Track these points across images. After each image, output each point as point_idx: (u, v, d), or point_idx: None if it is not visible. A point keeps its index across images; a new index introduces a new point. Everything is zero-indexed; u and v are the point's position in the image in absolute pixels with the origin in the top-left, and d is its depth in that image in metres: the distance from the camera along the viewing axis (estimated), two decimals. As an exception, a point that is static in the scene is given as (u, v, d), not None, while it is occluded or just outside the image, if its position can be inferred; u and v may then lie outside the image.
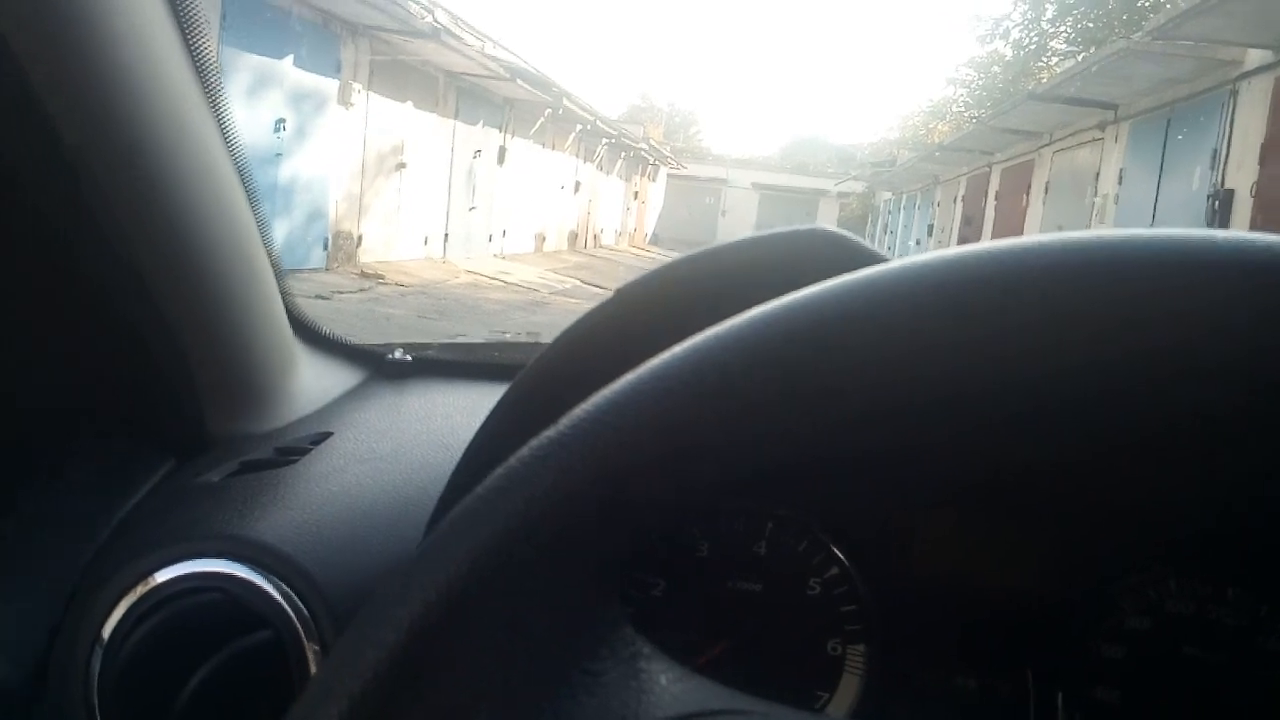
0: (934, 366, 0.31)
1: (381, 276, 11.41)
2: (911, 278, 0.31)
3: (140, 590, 0.58)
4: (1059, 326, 0.31)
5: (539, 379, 0.50)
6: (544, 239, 20.54)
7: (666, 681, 0.29)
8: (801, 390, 0.30)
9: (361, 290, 10.33)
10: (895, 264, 0.33)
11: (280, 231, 9.62)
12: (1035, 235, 0.33)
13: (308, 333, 0.86)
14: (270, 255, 0.79)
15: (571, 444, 0.30)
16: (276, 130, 9.77)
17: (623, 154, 27.19)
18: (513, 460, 0.30)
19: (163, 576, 0.57)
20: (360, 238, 11.87)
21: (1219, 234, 0.30)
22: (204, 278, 0.67)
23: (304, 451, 0.69)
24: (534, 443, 0.30)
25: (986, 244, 0.33)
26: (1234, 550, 0.60)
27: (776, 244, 0.53)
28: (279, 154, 9.81)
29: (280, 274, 0.80)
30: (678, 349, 0.31)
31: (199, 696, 0.54)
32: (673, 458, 0.30)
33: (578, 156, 22.10)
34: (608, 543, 0.30)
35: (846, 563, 0.64)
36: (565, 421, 0.30)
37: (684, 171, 37.25)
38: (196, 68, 0.63)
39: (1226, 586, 0.60)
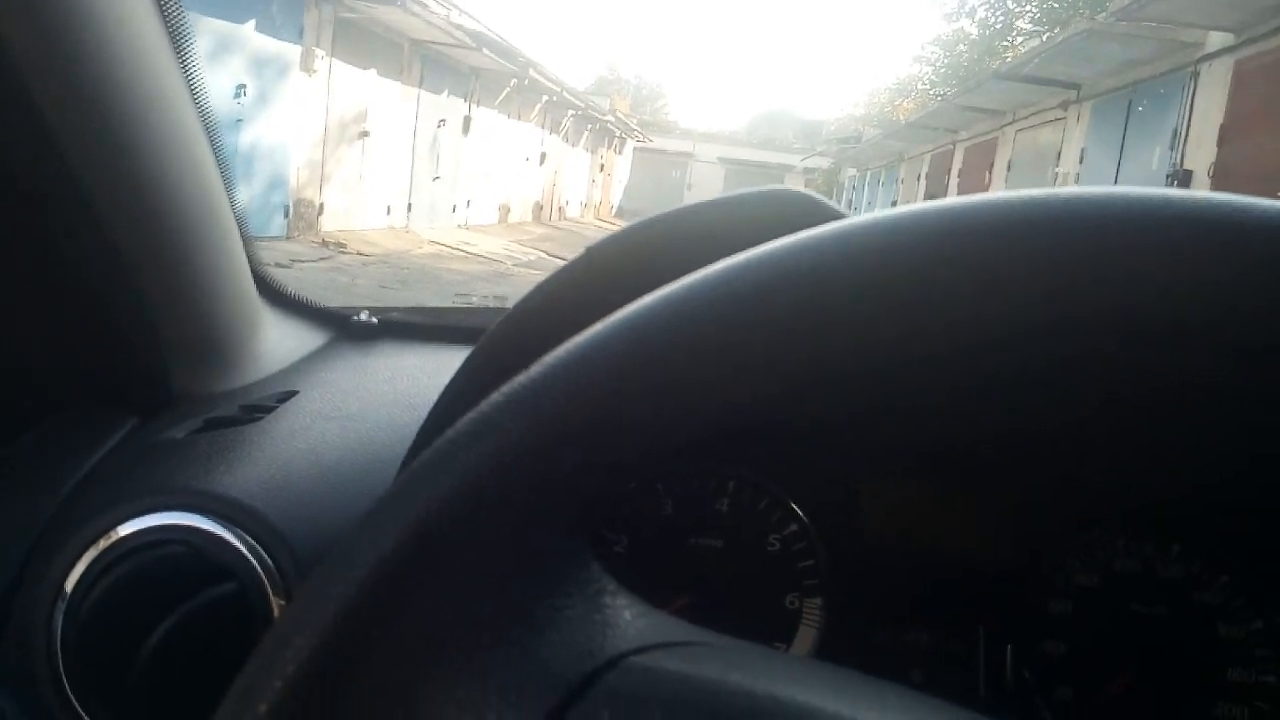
0: (881, 330, 0.31)
1: (343, 245, 11.29)
2: (857, 236, 0.32)
3: (103, 544, 0.58)
4: (1010, 287, 0.31)
5: (507, 336, 0.50)
6: (509, 210, 20.41)
7: (631, 617, 0.30)
8: (745, 354, 0.31)
9: (323, 259, 10.22)
10: (841, 224, 0.33)
11: (240, 199, 9.47)
12: (988, 194, 0.33)
13: (273, 293, 0.85)
14: (236, 215, 0.78)
15: (541, 392, 0.30)
16: (237, 96, 9.62)
17: (589, 126, 27.03)
18: (482, 406, 0.31)
19: (126, 530, 0.57)
20: (322, 206, 11.74)
21: (1178, 194, 0.31)
22: (168, 235, 0.67)
23: (269, 409, 0.69)
24: (504, 388, 0.31)
25: (936, 202, 0.33)
26: (1178, 508, 0.62)
27: (745, 204, 0.53)
28: (239, 120, 9.66)
29: (246, 234, 0.80)
30: (627, 310, 0.32)
31: (163, 648, 0.54)
32: (622, 417, 0.30)
33: (543, 128, 21.95)
34: (571, 489, 0.30)
35: (805, 521, 0.66)
36: (535, 369, 0.31)
37: (650, 145, 37.13)
38: (166, 24, 0.63)
39: (1172, 543, 0.62)
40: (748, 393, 0.31)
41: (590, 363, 0.30)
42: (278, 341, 0.82)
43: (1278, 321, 0.30)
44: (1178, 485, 0.62)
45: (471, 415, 0.31)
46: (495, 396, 0.31)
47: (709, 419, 0.31)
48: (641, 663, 0.28)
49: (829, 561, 0.65)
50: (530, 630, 0.28)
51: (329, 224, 11.92)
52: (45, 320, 0.68)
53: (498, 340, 0.51)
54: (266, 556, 0.57)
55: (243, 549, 0.57)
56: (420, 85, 14.14)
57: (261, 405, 0.70)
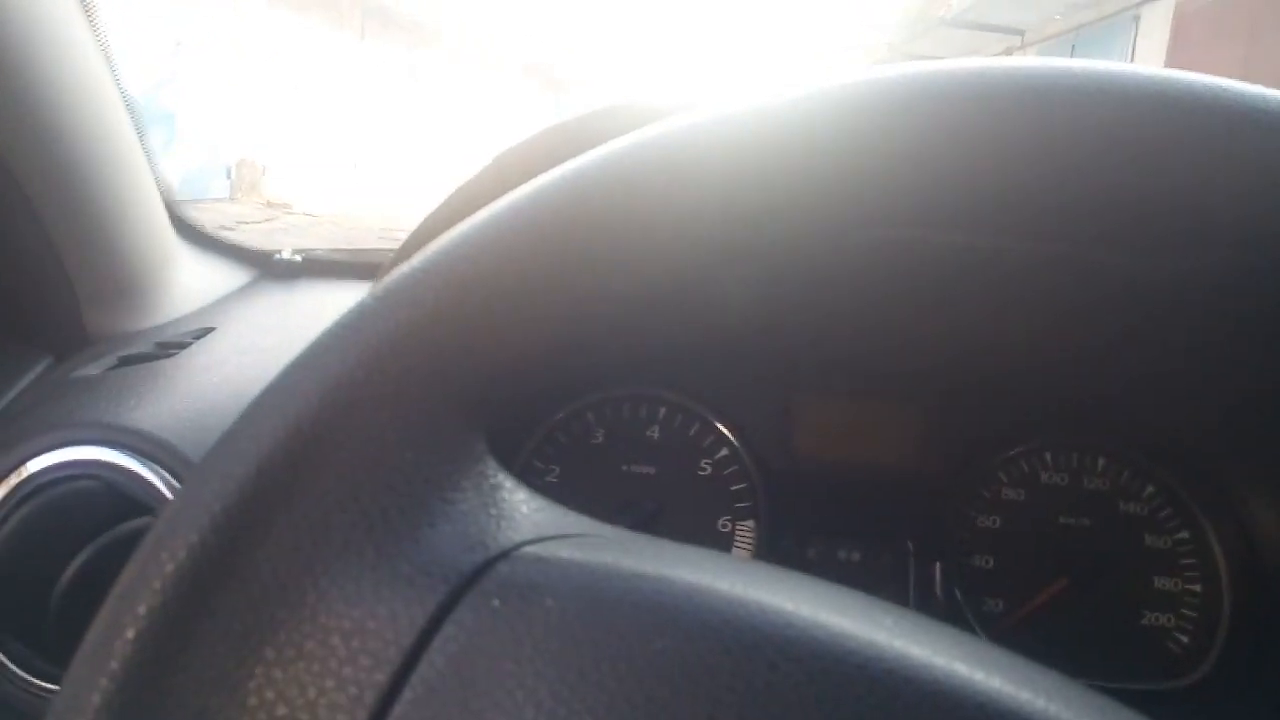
0: (805, 196, 0.31)
1: (288, 206, 11.10)
2: (787, 102, 0.30)
3: (13, 480, 0.56)
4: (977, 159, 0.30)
5: (417, 242, 0.49)
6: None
7: (527, 510, 0.29)
8: (636, 226, 0.30)
9: (268, 220, 10.04)
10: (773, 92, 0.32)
11: (178, 159, 9.28)
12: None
13: (190, 231, 0.83)
14: (146, 151, 0.76)
15: (424, 276, 0.29)
16: (175, 52, 9.37)
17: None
18: (364, 297, 0.30)
19: (36, 465, 0.55)
20: (265, 167, 11.52)
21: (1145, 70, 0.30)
22: (74, 175, 0.65)
23: (184, 345, 0.67)
24: (386, 278, 0.30)
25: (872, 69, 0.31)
26: (1106, 420, 0.62)
27: (667, 105, 0.52)
28: (177, 76, 9.42)
29: (157, 169, 0.78)
30: (512, 193, 0.31)
31: (78, 584, 0.53)
32: (512, 295, 0.29)
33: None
34: (462, 378, 0.29)
35: (736, 444, 0.65)
36: (422, 253, 0.30)
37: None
38: None
39: (1098, 456, 0.62)
40: (640, 272, 0.30)
41: (476, 242, 0.29)
42: (196, 280, 0.80)
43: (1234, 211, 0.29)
44: (1106, 396, 0.62)
45: (353, 306, 0.29)
46: (376, 287, 0.30)
47: (597, 301, 0.30)
48: (535, 552, 0.27)
49: (761, 483, 0.65)
50: (422, 522, 0.27)
51: (273, 185, 11.70)
52: None
53: (409, 248, 0.49)
54: None
55: (158, 483, 0.55)
56: (363, 37, 13.86)
57: (177, 342, 0.68)
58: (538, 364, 0.31)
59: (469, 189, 0.49)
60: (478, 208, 0.35)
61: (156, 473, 0.55)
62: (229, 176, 11.24)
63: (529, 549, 0.28)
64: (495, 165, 0.48)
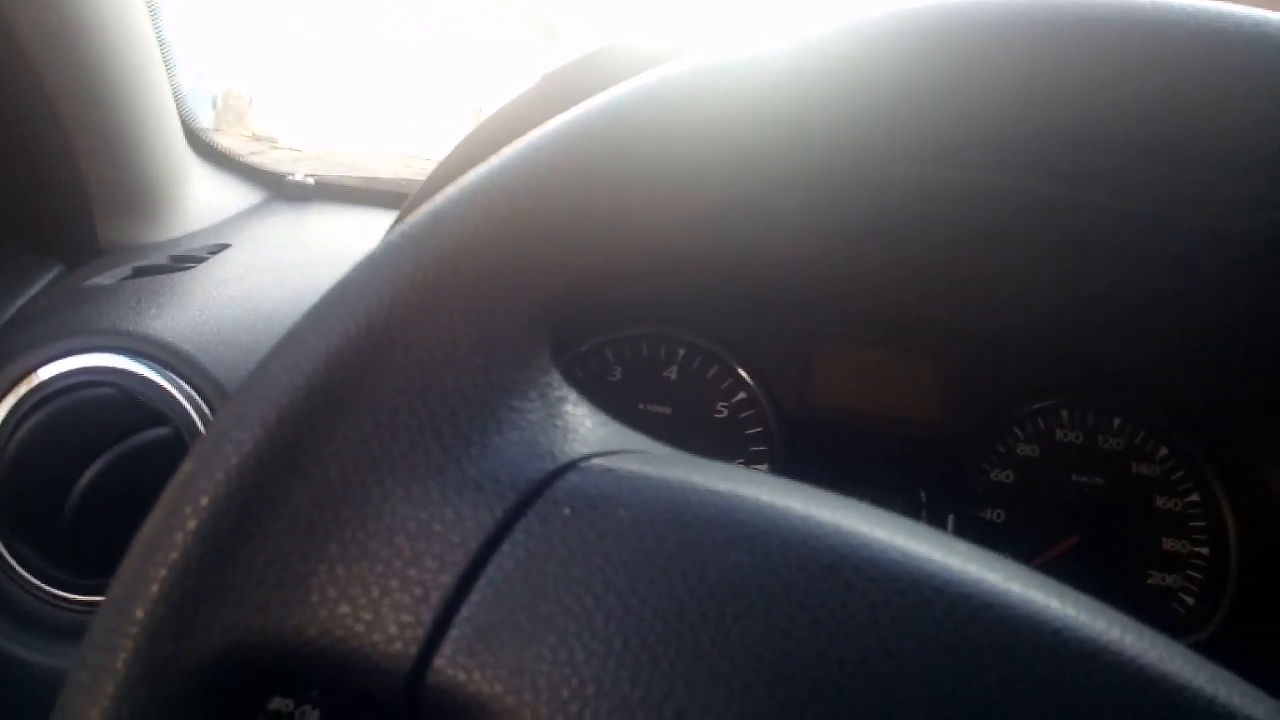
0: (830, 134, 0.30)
1: (274, 140, 10.93)
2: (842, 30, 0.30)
3: (23, 388, 0.55)
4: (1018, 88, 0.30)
5: (462, 155, 0.48)
6: (481, 111, 19.83)
7: (592, 425, 0.29)
8: (711, 141, 0.29)
9: (253, 154, 9.90)
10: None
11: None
12: None
13: (204, 148, 0.81)
14: (166, 62, 0.74)
15: (498, 180, 0.29)
16: (163, -24, 9.18)
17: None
18: (436, 199, 0.29)
19: (50, 372, 0.54)
20: (251, 98, 11.32)
21: None
22: (98, 74, 0.63)
23: (200, 259, 0.66)
24: (458, 182, 0.29)
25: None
26: (1124, 380, 0.63)
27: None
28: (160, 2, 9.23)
29: (175, 83, 0.76)
30: (586, 103, 0.30)
31: (93, 493, 0.52)
32: (582, 207, 0.29)
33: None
34: (532, 285, 0.29)
35: (754, 388, 0.65)
36: (492, 160, 0.29)
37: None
38: None
39: (1114, 416, 0.63)
40: (714, 188, 0.30)
41: (550, 149, 0.29)
42: (209, 197, 0.78)
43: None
44: (1125, 357, 0.62)
45: (425, 208, 0.29)
46: (449, 190, 0.29)
47: (671, 216, 0.30)
48: (604, 464, 0.27)
49: (776, 428, 0.65)
50: (490, 429, 0.27)
51: (261, 117, 11.52)
52: None
53: (454, 160, 0.48)
54: (202, 403, 0.55)
55: (176, 394, 0.54)
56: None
57: (193, 255, 0.67)
58: (596, 284, 0.31)
59: (514, 110, 0.48)
60: (530, 124, 0.34)
61: (175, 383, 0.54)
62: (214, 106, 11.05)
63: (597, 461, 0.27)
64: (542, 85, 0.47)
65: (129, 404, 0.53)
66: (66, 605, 0.54)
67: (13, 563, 0.54)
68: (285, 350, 0.27)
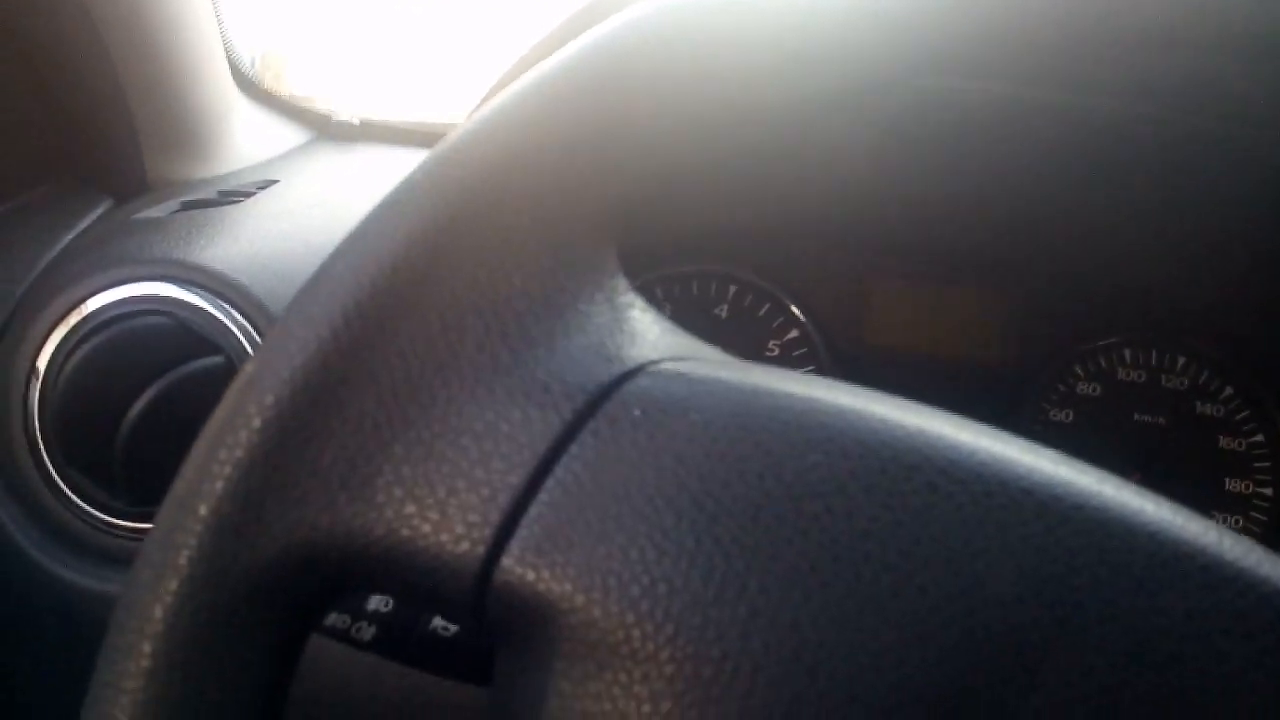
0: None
1: (312, 100, 10.95)
2: None
3: (74, 318, 0.55)
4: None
5: (529, 62, 0.47)
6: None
7: (659, 331, 0.28)
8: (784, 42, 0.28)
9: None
10: None
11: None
12: None
13: (250, 87, 0.81)
14: (215, 7, 0.74)
15: (562, 76, 0.28)
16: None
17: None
18: (500, 96, 0.28)
19: (102, 300, 0.54)
20: (288, 58, 11.32)
21: None
22: (143, 10, 0.63)
23: (248, 194, 0.66)
24: (524, 78, 0.29)
25: None
26: (1188, 318, 0.61)
27: None
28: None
29: (222, 18, 0.76)
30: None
31: (146, 420, 0.52)
32: (648, 106, 0.28)
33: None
34: (600, 185, 0.28)
35: (808, 326, 0.64)
36: (557, 55, 0.29)
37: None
38: None
39: (1178, 355, 0.61)
40: (781, 89, 0.29)
41: (609, 48, 0.28)
42: (256, 135, 0.78)
43: None
44: (1189, 294, 0.60)
45: (487, 107, 0.28)
46: (512, 87, 0.28)
47: (728, 120, 0.29)
48: (673, 368, 0.26)
49: (830, 367, 0.64)
50: (557, 331, 0.26)
51: (297, 77, 11.53)
52: (18, 94, 0.64)
53: (521, 68, 0.47)
54: (254, 332, 0.54)
55: (229, 324, 0.54)
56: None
57: (241, 190, 0.67)
58: (659, 195, 0.30)
59: (564, 32, 0.47)
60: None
61: (226, 312, 0.54)
62: (253, 66, 11.08)
63: (668, 365, 0.27)
64: (589, 9, 0.46)
65: (181, 332, 0.53)
66: (119, 532, 0.55)
67: (66, 490, 0.55)
68: (350, 250, 0.26)
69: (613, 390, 0.26)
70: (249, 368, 0.26)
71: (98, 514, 0.54)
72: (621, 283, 0.29)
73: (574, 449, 0.25)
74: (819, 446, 0.24)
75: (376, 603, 0.51)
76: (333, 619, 0.50)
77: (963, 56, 0.30)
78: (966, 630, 0.21)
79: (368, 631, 0.50)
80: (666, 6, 0.28)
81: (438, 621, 0.50)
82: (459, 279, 0.26)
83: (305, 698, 0.50)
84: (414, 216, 0.26)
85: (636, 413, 0.25)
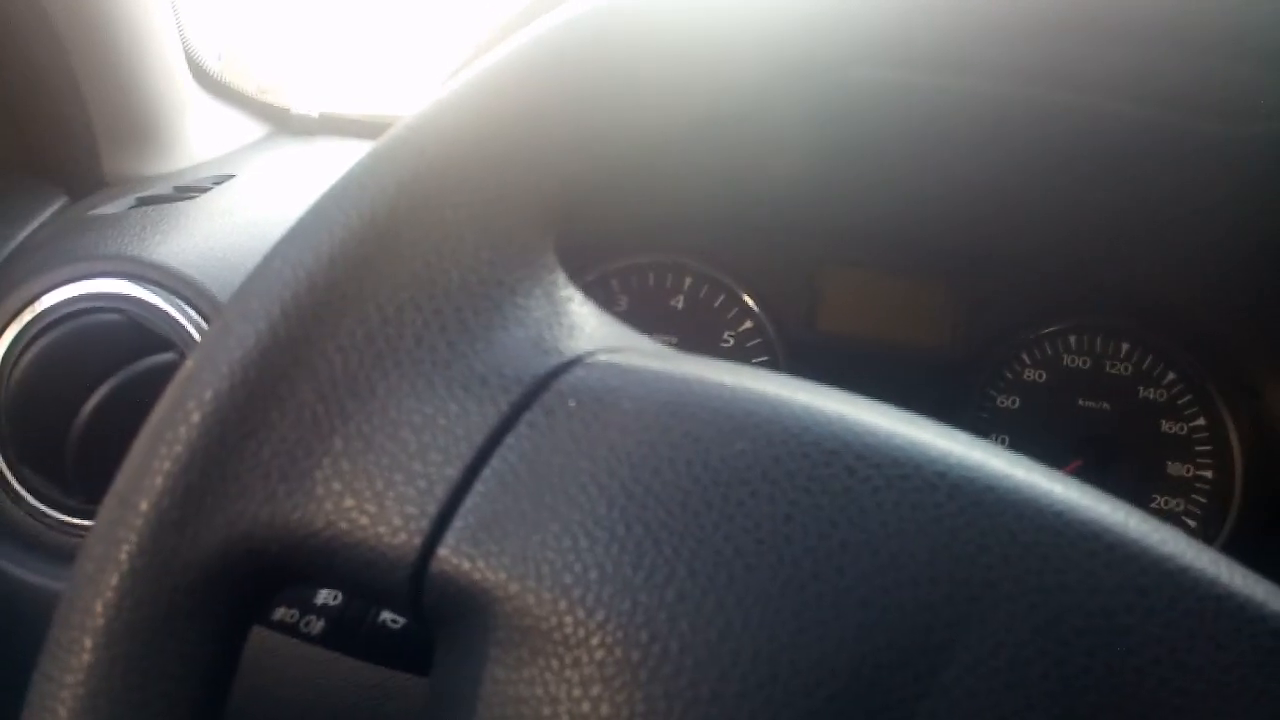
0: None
1: (276, 93, 10.83)
2: None
3: (27, 315, 0.55)
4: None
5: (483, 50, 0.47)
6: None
7: (596, 323, 0.29)
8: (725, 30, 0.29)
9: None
10: None
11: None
12: None
13: (208, 80, 0.81)
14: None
15: (507, 71, 0.28)
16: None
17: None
18: (440, 90, 0.29)
19: (56, 298, 0.54)
20: (256, 52, 11.19)
21: None
22: (99, 4, 0.63)
23: (204, 189, 0.66)
24: (463, 73, 0.29)
25: None
26: (1131, 304, 0.62)
27: None
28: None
29: (179, 13, 0.75)
30: None
31: (98, 419, 0.52)
32: (589, 94, 0.29)
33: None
34: (539, 177, 0.29)
35: (760, 315, 0.65)
36: (499, 50, 0.29)
37: None
38: None
39: (1122, 341, 0.62)
40: (718, 80, 0.29)
41: (546, 44, 0.28)
42: (214, 130, 0.78)
43: None
44: (1133, 281, 0.62)
45: (427, 102, 0.29)
46: (450, 84, 0.29)
47: (665, 111, 0.29)
48: (609, 359, 0.27)
49: (783, 356, 0.65)
50: (495, 324, 0.27)
51: (262, 71, 11.41)
52: None
53: (468, 61, 0.48)
54: (207, 327, 0.54)
55: (181, 319, 0.54)
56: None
57: (197, 186, 0.66)
58: (604, 187, 0.30)
59: (528, 9, 0.48)
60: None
61: (180, 309, 0.54)
62: (219, 60, 10.94)
63: (602, 356, 0.27)
64: None
65: (134, 329, 0.53)
66: (72, 530, 0.55)
67: (19, 488, 0.54)
68: (289, 245, 0.27)
69: (549, 382, 0.26)
70: (189, 363, 0.26)
71: (51, 512, 0.54)
72: (560, 276, 0.30)
73: (510, 440, 0.25)
74: (745, 434, 0.25)
75: (325, 596, 0.51)
76: (281, 613, 0.51)
77: (897, 47, 0.31)
78: (883, 608, 0.22)
79: (317, 625, 0.51)
80: (603, 3, 0.29)
81: (386, 614, 0.51)
82: (397, 272, 0.26)
83: (256, 692, 0.50)
84: (352, 210, 0.27)
85: (571, 403, 0.26)
